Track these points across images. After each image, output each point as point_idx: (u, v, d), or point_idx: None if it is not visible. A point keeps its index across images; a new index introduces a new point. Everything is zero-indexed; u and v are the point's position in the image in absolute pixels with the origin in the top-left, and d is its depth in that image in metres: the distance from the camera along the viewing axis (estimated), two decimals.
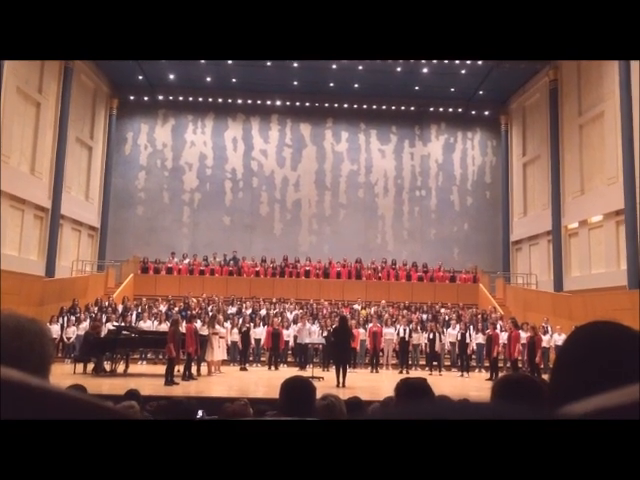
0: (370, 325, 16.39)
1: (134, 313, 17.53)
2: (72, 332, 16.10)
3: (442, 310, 19.08)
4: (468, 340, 15.74)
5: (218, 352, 14.21)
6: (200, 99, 25.11)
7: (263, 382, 12.61)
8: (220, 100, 25.18)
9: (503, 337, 15.12)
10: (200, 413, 5.18)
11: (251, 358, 16.39)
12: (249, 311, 17.81)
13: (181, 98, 25.08)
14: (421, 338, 16.13)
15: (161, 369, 12.85)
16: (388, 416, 0.41)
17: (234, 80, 24.07)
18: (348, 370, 12.52)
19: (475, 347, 15.92)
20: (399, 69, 22.44)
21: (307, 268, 21.92)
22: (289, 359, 16.63)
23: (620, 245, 17.43)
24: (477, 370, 16.11)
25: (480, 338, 15.81)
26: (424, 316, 18.24)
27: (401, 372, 14.96)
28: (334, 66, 22.37)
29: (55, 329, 15.58)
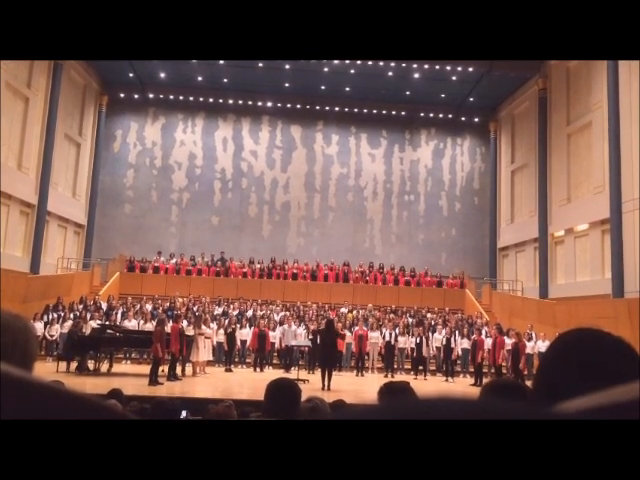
0: (356, 328, 16.40)
1: (119, 312, 17.40)
2: (56, 330, 15.92)
3: (428, 315, 19.15)
4: (453, 345, 15.80)
5: (203, 353, 14.13)
6: (191, 98, 25.00)
7: (248, 384, 12.56)
8: (211, 100, 25.09)
9: (488, 343, 15.19)
10: (184, 414, 5.16)
11: (236, 359, 16.33)
12: (235, 312, 17.74)
13: (172, 97, 24.96)
14: (407, 342, 16.17)
15: (145, 369, 12.76)
16: (373, 414, 0.40)
17: (225, 80, 24.01)
18: (333, 373, 12.52)
19: (460, 352, 15.98)
20: (390, 73, 22.50)
21: (295, 270, 21.90)
22: (274, 361, 16.58)
23: (605, 254, 17.61)
24: (462, 375, 16.16)
25: (465, 343, 15.87)
26: (410, 320, 18.29)
27: (386, 376, 14.98)
28: (326, 69, 22.38)
29: (39, 326, 15.41)
